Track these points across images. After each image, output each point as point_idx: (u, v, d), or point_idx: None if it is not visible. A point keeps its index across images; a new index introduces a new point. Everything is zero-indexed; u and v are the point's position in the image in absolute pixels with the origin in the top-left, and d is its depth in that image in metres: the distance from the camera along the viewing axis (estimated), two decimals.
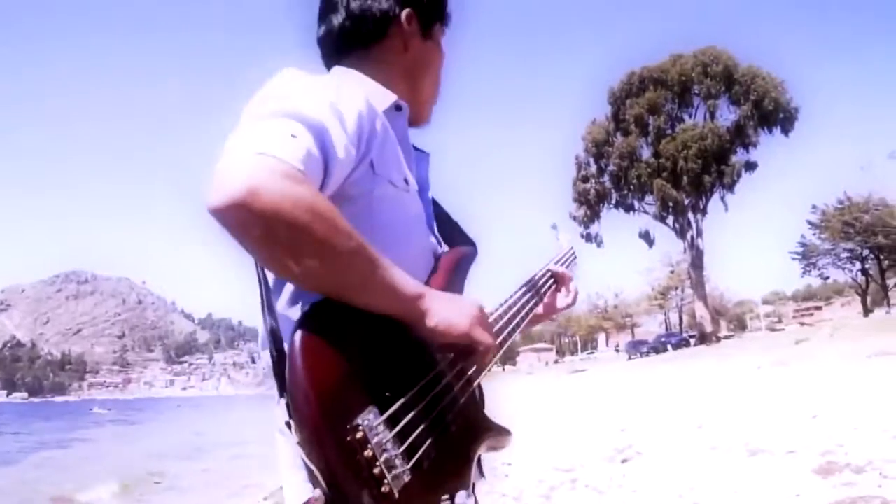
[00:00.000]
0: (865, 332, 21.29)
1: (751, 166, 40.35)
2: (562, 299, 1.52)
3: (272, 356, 0.85)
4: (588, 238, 42.00)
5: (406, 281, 0.89)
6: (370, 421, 0.79)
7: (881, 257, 42.39)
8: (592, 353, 71.42)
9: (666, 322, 66.96)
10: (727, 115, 40.32)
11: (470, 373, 1.01)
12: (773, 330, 49.93)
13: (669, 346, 42.88)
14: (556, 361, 73.02)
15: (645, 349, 45.69)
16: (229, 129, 0.91)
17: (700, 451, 6.34)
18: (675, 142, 39.38)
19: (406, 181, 1.06)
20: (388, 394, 0.84)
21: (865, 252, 43.04)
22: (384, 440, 0.79)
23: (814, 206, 44.37)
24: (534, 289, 1.38)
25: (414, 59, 1.17)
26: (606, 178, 42.69)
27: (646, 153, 41.33)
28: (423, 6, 1.18)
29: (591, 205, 42.21)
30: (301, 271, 0.81)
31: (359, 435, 0.77)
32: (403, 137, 1.11)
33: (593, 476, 5.97)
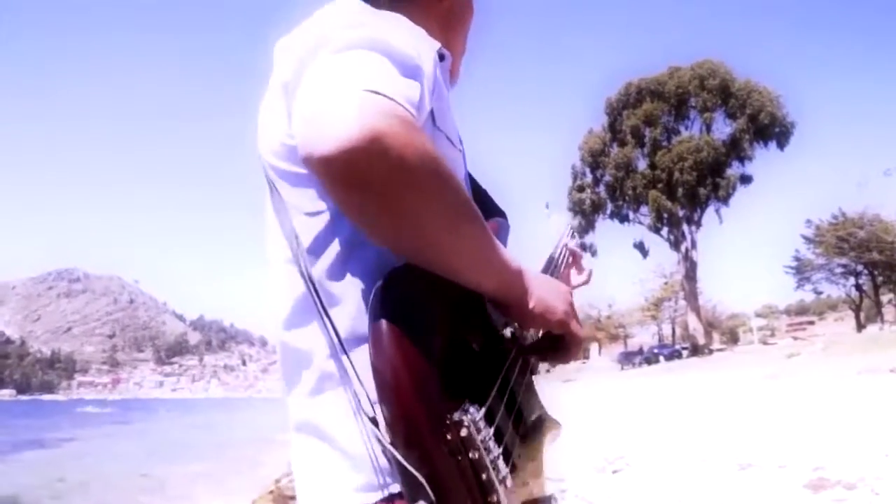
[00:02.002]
0: (858, 347, 21.32)
1: (746, 180, 40.59)
2: (575, 278, 1.46)
3: (328, 331, 0.74)
4: (582, 248, 41.86)
5: (509, 255, 0.79)
6: (472, 415, 0.67)
7: (875, 273, 42.50)
8: (585, 362, 71.39)
9: (659, 333, 66.94)
10: (723, 129, 40.63)
11: (543, 363, 0.93)
12: (766, 343, 49.96)
13: (662, 358, 42.84)
14: (547, 370, 72.77)
15: (637, 360, 45.66)
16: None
17: (691, 463, 6.30)
18: (670, 154, 39.56)
19: (460, 140, 0.96)
20: (483, 383, 0.74)
21: (859, 268, 43.14)
22: (487, 438, 0.68)
23: (808, 221, 44.54)
24: (553, 268, 1.31)
25: (450, 8, 1.12)
26: (602, 188, 42.82)
27: (641, 164, 41.53)
28: None
29: (586, 214, 42.27)
30: (411, 233, 0.69)
31: (463, 433, 0.65)
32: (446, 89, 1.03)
33: (583, 487, 5.93)
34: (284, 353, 0.84)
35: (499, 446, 0.70)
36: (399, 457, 0.63)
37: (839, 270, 44.71)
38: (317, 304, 0.77)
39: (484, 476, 0.65)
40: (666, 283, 54.91)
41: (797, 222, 50.01)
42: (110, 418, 50.69)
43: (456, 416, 0.65)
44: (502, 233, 1.08)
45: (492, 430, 0.70)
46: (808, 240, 44.75)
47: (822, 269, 45.32)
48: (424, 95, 0.74)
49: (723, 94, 39.60)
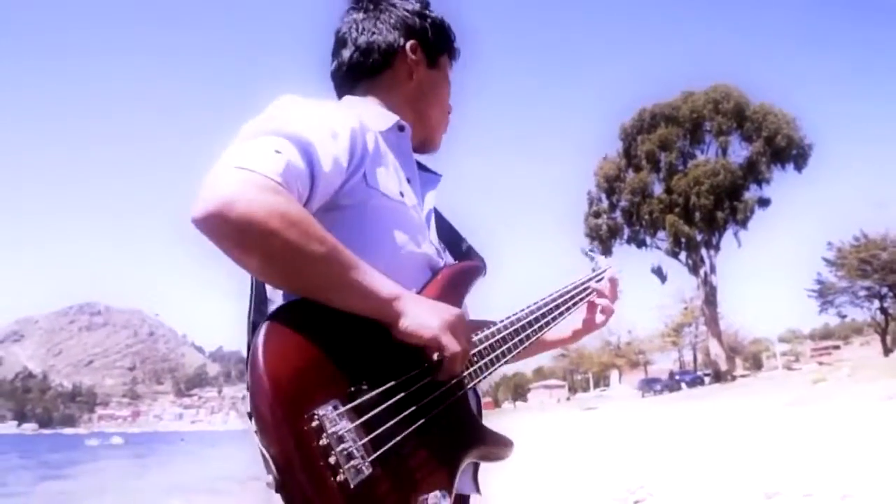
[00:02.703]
0: (885, 372, 20.81)
1: (764, 202, 40.20)
2: (599, 315, 1.51)
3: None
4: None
5: (382, 284, 0.92)
6: (329, 411, 0.81)
7: None
8: (605, 390, 70.52)
9: (680, 359, 66.02)
10: (739, 152, 40.37)
11: (456, 381, 1.00)
12: (791, 369, 49.02)
13: (683, 385, 42.18)
14: (567, 398, 72.00)
15: (658, 387, 44.99)
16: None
17: (715, 493, 6.16)
18: (687, 178, 39.38)
19: (401, 194, 1.10)
20: (357, 388, 0.87)
21: (884, 290, 42.38)
22: (343, 430, 0.81)
23: (829, 244, 43.96)
24: (554, 304, 1.35)
25: (419, 86, 1.25)
26: (618, 213, 42.67)
27: (657, 189, 41.33)
28: (427, 38, 1.26)
29: (602, 240, 42.06)
30: (277, 275, 0.89)
31: (314, 423, 0.79)
32: (407, 156, 1.19)
33: None
34: None
35: (363, 439, 0.83)
36: (257, 442, 0.79)
37: (863, 293, 43.91)
38: (250, 306, 0.99)
39: (331, 459, 0.79)
40: (686, 309, 54.21)
41: (818, 245, 49.46)
42: (130, 451, 50.71)
43: (316, 410, 0.80)
44: (464, 275, 1.17)
45: (353, 425, 0.83)
46: (829, 262, 44.13)
47: (845, 291, 44.55)
48: (317, 160, 0.92)
49: (738, 117, 39.50)
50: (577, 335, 1.53)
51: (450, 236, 1.31)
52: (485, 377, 1.10)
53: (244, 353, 0.90)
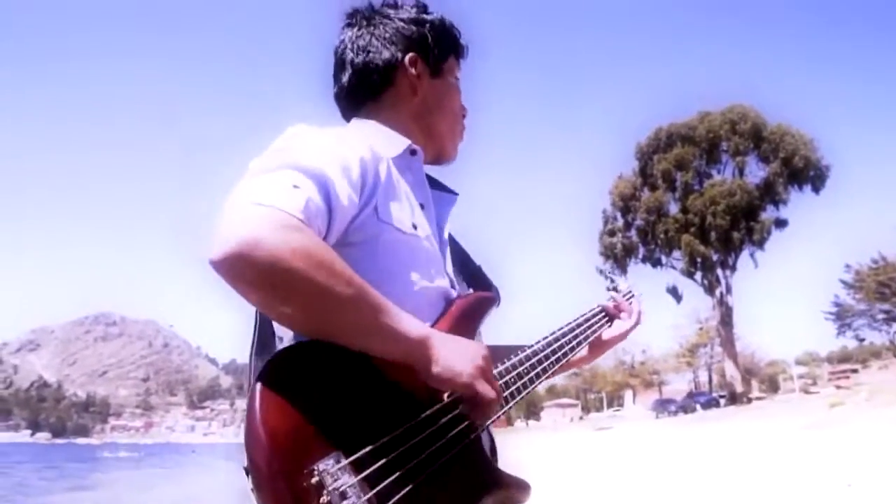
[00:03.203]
0: None
1: (781, 223, 39.89)
2: (620, 325, 1.51)
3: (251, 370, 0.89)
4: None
5: (411, 325, 0.88)
6: (330, 466, 0.77)
7: None
8: (619, 410, 69.81)
9: (695, 380, 65.26)
10: (756, 172, 40.18)
11: (468, 423, 0.96)
12: (808, 392, 48.31)
13: (698, 406, 41.69)
14: (581, 418, 71.34)
15: (673, 408, 44.46)
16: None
17: None
18: (702, 198, 39.21)
19: (415, 226, 1.06)
20: (361, 438, 0.82)
21: None
22: (345, 485, 0.77)
23: (847, 266, 43.49)
24: (571, 334, 1.36)
25: (424, 101, 1.20)
26: (633, 232, 42.53)
27: (673, 209, 41.18)
28: (427, 46, 1.20)
29: (617, 259, 41.90)
30: (302, 318, 0.83)
31: (314, 479, 0.75)
32: (420, 181, 1.15)
33: None
34: None
35: (367, 493, 0.78)
36: (252, 497, 0.75)
37: (881, 316, 43.33)
38: (253, 341, 0.97)
39: None
40: (701, 329, 53.75)
41: (835, 267, 48.82)
42: (145, 462, 50.82)
43: (316, 465, 0.75)
44: (478, 306, 1.14)
45: (356, 479, 0.78)
46: (847, 285, 43.65)
47: (863, 314, 44.01)
48: (334, 194, 0.89)
49: (755, 137, 39.35)
50: (594, 353, 1.51)
51: (463, 263, 1.27)
52: (499, 416, 1.05)
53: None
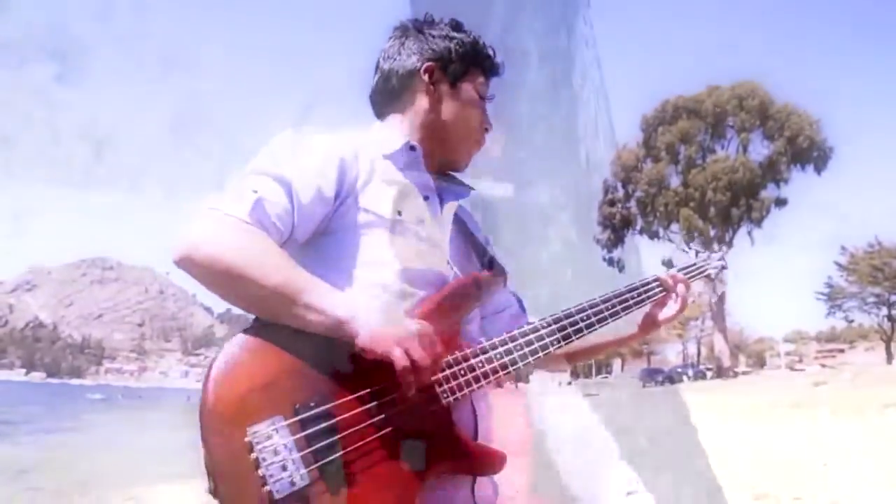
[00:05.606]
0: (886, 379, 20.85)
1: (781, 202, 39.88)
2: (666, 310, 1.49)
3: None
4: (610, 262, 41.69)
5: (337, 304, 0.98)
6: (266, 427, 0.88)
7: None
8: (606, 377, 70.61)
9: (684, 353, 65.98)
10: (760, 150, 39.97)
11: (407, 391, 0.98)
12: (793, 369, 48.93)
13: (685, 377, 42.27)
14: (569, 383, 72.14)
15: (660, 378, 45.06)
16: (274, 129, 1.12)
17: (703, 490, 6.30)
18: (704, 172, 39.08)
19: (399, 212, 1.13)
20: (304, 403, 0.92)
21: (893, 298, 42.14)
22: (277, 444, 0.88)
23: (843, 248, 43.64)
24: (611, 303, 1.34)
25: (437, 108, 1.26)
26: (633, 203, 42.46)
27: (674, 182, 41.05)
28: (449, 60, 1.26)
29: (615, 229, 41.94)
30: (245, 306, 1.00)
31: (247, 438, 0.87)
32: (418, 173, 1.21)
33: None
34: None
35: (301, 451, 0.89)
36: (203, 450, 0.88)
37: (872, 300, 43.69)
38: None
39: (260, 472, 0.86)
40: (693, 302, 53.94)
41: (831, 248, 49.00)
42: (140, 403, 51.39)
43: (256, 426, 0.88)
44: (471, 287, 1.17)
45: (292, 438, 0.89)
46: (841, 267, 43.85)
47: (854, 297, 44.33)
48: (296, 194, 1.03)
49: (761, 115, 39.01)
50: (644, 330, 1.52)
51: (471, 247, 1.31)
52: (476, 389, 1.08)
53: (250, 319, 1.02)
